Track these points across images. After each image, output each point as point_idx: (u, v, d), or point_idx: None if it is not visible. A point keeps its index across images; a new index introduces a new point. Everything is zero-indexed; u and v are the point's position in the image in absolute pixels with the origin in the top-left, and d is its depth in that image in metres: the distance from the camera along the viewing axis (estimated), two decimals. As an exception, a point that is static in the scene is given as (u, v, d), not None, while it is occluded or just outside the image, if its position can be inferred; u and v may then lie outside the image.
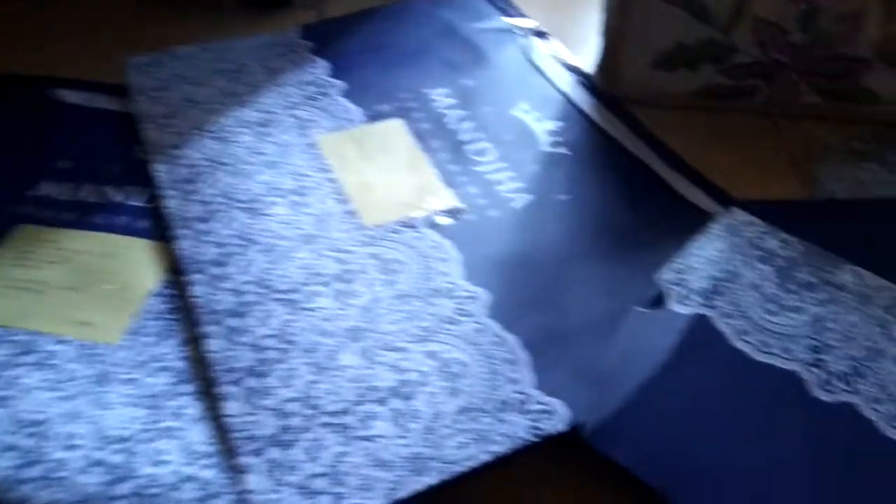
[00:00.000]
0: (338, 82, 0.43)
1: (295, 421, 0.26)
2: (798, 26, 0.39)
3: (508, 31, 0.48)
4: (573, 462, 0.26)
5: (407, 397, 0.26)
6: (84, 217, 0.35)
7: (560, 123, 0.41)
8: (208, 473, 0.24)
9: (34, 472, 0.24)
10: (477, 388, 0.27)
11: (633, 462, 0.25)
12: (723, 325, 0.29)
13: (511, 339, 0.29)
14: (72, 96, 0.43)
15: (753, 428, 0.26)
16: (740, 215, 0.34)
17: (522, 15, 0.49)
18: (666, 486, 0.25)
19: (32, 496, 0.24)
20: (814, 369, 0.28)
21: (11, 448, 0.25)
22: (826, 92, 0.41)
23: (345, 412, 0.26)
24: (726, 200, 0.36)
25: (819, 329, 0.29)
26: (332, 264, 0.32)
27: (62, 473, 0.24)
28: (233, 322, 0.29)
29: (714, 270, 0.31)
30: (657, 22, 0.41)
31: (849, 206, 0.36)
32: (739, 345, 0.29)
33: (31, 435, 0.25)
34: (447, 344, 0.28)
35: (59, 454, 0.25)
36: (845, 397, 0.27)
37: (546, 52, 0.46)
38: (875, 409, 0.27)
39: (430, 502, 0.24)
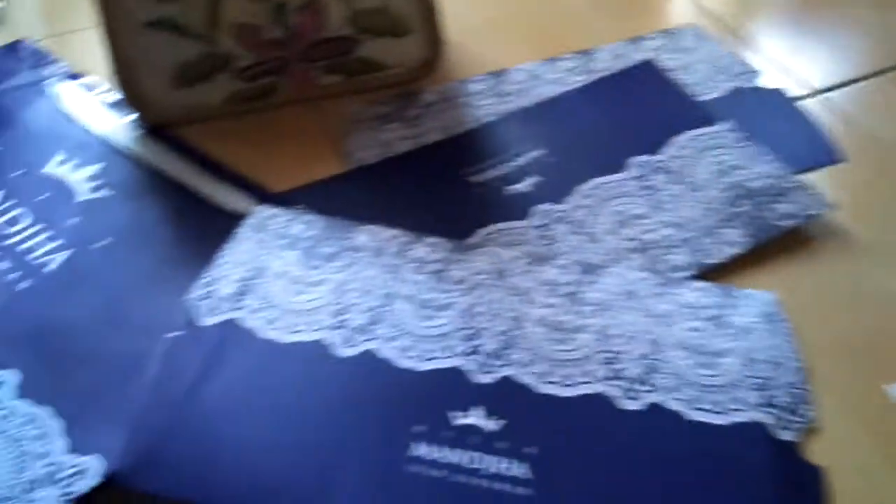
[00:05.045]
0: None
1: None
2: (272, 22, 0.42)
3: (36, 82, 0.46)
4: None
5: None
6: None
7: (101, 165, 0.41)
8: None
9: None
10: (5, 477, 0.26)
11: (177, 489, 0.26)
12: (251, 322, 0.32)
13: (43, 412, 0.28)
14: None
15: (293, 403, 0.29)
16: (265, 210, 0.37)
17: (53, 61, 0.47)
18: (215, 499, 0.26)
19: None
20: (337, 331, 0.31)
21: None
22: (336, 71, 0.45)
23: None
24: (267, 198, 0.39)
25: (341, 293, 0.33)
26: None
27: None
28: None
29: (241, 272, 0.33)
30: (152, 47, 0.42)
31: (374, 170, 0.40)
32: (270, 335, 0.31)
33: None
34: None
35: None
36: (366, 346, 0.31)
37: (80, 95, 0.45)
38: (391, 348, 0.31)
39: None
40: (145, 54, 0.43)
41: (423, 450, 0.27)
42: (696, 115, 0.41)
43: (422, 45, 0.46)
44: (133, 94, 0.44)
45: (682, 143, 0.40)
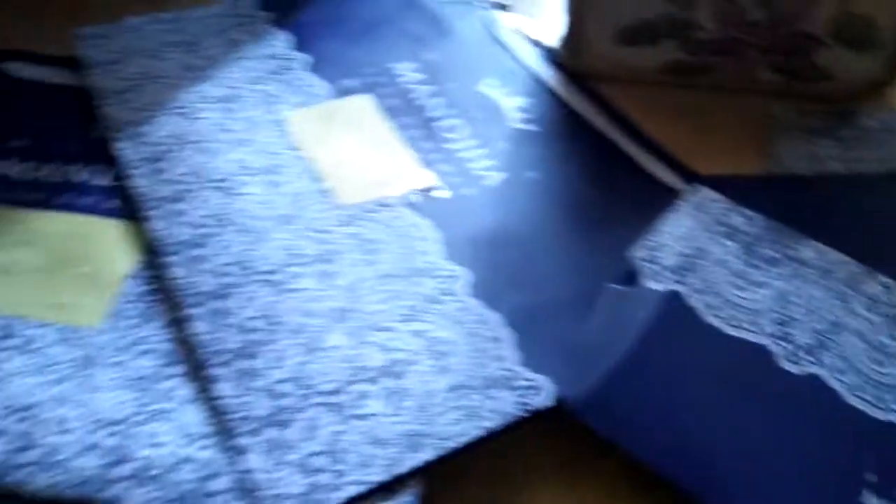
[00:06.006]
0: (301, 56, 0.42)
1: (288, 401, 0.26)
2: (757, 4, 0.40)
3: (469, 3, 0.48)
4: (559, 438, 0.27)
5: (397, 376, 0.27)
6: (48, 198, 0.34)
7: (528, 99, 0.42)
8: (206, 454, 0.24)
9: (29, 456, 0.24)
10: (464, 366, 0.27)
11: (616, 433, 0.26)
12: (694, 301, 0.31)
13: (494, 317, 0.29)
14: (22, 70, 0.41)
15: (728, 399, 0.28)
16: (706, 192, 0.35)
17: None
18: (647, 456, 0.26)
19: (29, 481, 0.23)
20: (780, 342, 0.30)
21: (4, 433, 0.24)
22: (782, 69, 0.43)
23: (337, 392, 0.26)
24: (691, 177, 0.38)
25: (784, 303, 0.31)
26: (312, 245, 0.32)
27: (58, 457, 0.24)
28: (216, 304, 0.29)
29: (684, 247, 0.32)
30: (618, -2, 0.42)
31: (807, 182, 0.38)
32: (711, 320, 0.30)
33: (21, 420, 0.25)
34: (433, 323, 0.29)
35: (52, 438, 0.24)
36: (811, 369, 0.29)
37: (508, 26, 0.46)
38: (839, 380, 0.29)
39: (426, 479, 0.25)
40: (603, 3, 0.43)
41: (874, 502, 0.25)
42: None
43: (880, 64, 0.42)
44: (574, 39, 0.45)
45: None
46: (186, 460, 0.24)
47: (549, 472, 0.27)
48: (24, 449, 0.24)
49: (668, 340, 0.29)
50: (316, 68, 0.42)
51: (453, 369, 0.27)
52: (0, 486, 0.23)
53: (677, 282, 0.31)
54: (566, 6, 0.45)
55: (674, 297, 0.31)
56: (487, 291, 0.31)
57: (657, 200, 0.36)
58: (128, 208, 0.33)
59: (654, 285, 0.31)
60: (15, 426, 0.25)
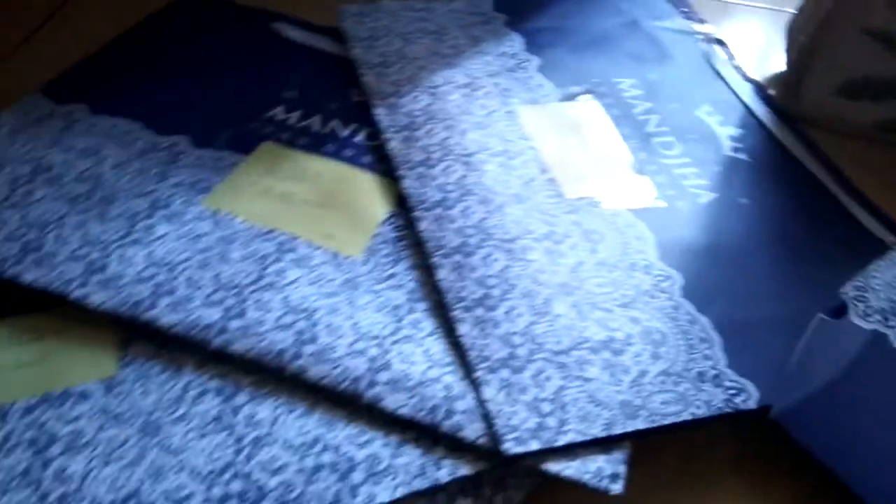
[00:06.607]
0: (532, 57, 0.46)
1: (520, 351, 0.29)
2: None
3: (688, 33, 0.50)
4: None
5: (616, 352, 0.30)
6: (316, 144, 0.39)
7: (740, 130, 0.44)
8: (450, 378, 0.28)
9: (309, 349, 0.28)
10: (676, 356, 0.30)
11: (816, 446, 0.28)
12: (897, 344, 0.32)
13: (703, 320, 0.32)
14: (292, 32, 0.47)
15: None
16: (913, 247, 0.36)
17: (701, 20, 0.52)
18: (841, 470, 0.28)
19: (308, 369, 0.28)
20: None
21: (289, 326, 0.29)
22: None
23: (563, 353, 0.29)
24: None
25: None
26: (540, 225, 0.35)
27: (333, 355, 0.28)
28: (459, 259, 0.33)
29: (892, 294, 0.34)
30: (850, 51, 0.43)
31: None
32: (913, 362, 0.31)
33: (302, 319, 0.29)
34: (647, 314, 0.31)
35: (327, 339, 0.29)
36: None
37: (725, 59, 0.48)
38: None
39: (632, 446, 0.28)
40: (831, 53, 0.44)
41: None
42: None
43: None
44: (794, 84, 0.46)
45: None
46: (435, 380, 0.28)
47: (733, 473, 0.30)
48: (306, 342, 0.29)
49: (872, 375, 0.31)
50: (545, 71, 0.46)
51: (665, 357, 0.30)
52: (287, 372, 0.28)
53: (884, 324, 0.33)
54: (790, 52, 0.46)
55: (881, 337, 0.32)
56: (698, 296, 0.33)
57: (862, 245, 0.38)
58: (382, 165, 0.38)
59: (861, 323, 0.33)
60: (299, 323, 0.29)
